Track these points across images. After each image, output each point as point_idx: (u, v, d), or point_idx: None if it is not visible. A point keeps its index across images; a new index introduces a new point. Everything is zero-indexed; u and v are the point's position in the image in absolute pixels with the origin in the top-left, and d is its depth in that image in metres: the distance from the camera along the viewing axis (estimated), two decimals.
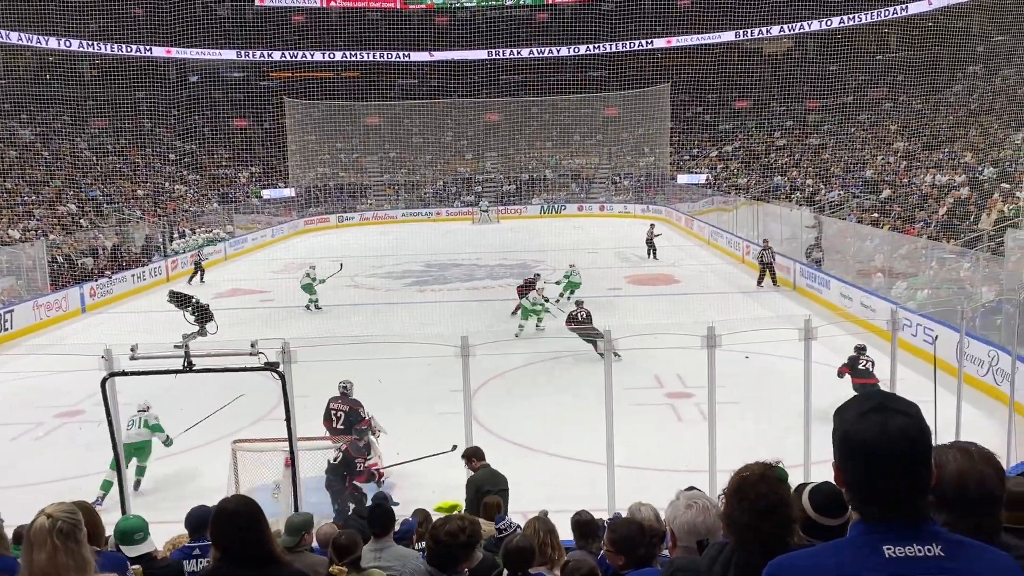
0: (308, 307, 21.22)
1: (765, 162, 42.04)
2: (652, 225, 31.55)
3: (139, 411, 10.87)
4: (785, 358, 13.65)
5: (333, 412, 10.79)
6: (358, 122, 48.64)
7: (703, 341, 8.25)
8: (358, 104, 47.64)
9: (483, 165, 50.68)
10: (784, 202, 32.35)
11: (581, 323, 15.42)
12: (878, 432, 1.77)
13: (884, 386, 9.60)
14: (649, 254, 28.76)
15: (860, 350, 12.36)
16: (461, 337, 8.15)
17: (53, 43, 37.74)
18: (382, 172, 50.52)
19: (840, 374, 12.21)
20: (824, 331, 8.77)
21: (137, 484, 10.46)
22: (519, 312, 18.38)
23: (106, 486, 9.89)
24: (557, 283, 21.83)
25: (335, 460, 9.52)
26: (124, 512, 7.27)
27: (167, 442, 10.89)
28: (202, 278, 26.67)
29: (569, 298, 20.57)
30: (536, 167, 50.80)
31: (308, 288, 21.42)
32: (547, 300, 18.80)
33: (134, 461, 10.47)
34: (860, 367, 12.11)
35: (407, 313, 19.81)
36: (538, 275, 21.26)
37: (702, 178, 43.48)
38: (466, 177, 50.19)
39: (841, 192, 31.85)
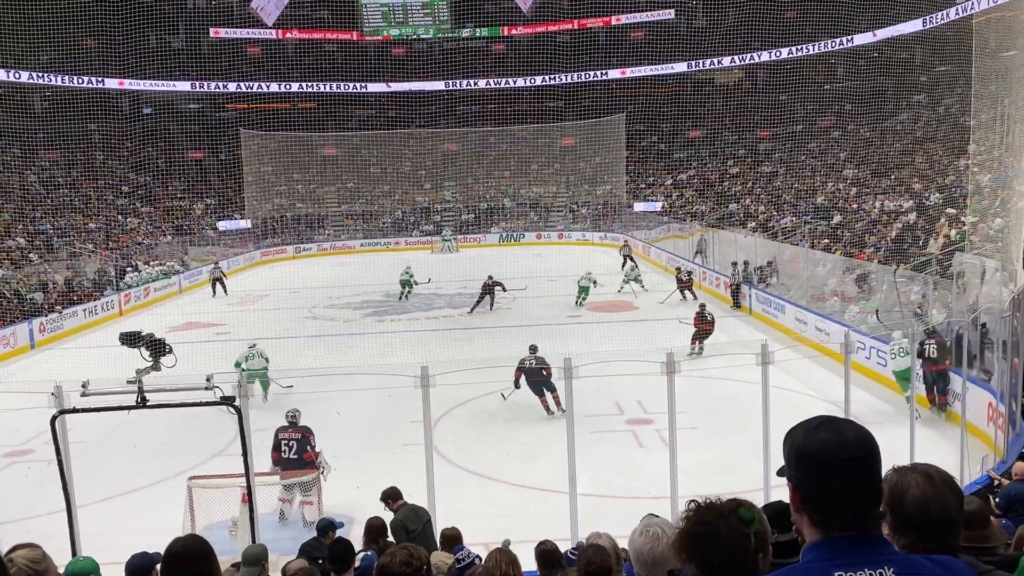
0: (401, 297, 26.76)
1: (719, 190, 42.73)
2: (625, 242, 34.88)
3: (250, 347, 15.64)
4: (743, 383, 13.81)
5: (284, 442, 10.52)
6: (315, 153, 48.50)
7: (662, 367, 8.31)
8: (315, 135, 47.56)
9: (442, 194, 50.76)
10: (739, 228, 32.88)
11: (531, 372, 14.25)
12: (836, 440, 1.80)
13: (838, 408, 9.76)
14: (623, 266, 30.19)
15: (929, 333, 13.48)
16: (421, 367, 8.11)
17: (1, 75, 37.13)
18: (340, 202, 50.30)
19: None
20: (781, 355, 8.89)
21: (264, 397, 15.04)
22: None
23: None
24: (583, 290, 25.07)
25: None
26: (75, 553, 7.08)
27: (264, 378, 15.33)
28: (224, 289, 29.86)
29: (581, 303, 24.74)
30: (495, 196, 50.99)
31: (406, 283, 27.22)
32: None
33: (257, 383, 14.85)
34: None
35: (366, 344, 19.66)
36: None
37: (658, 206, 44.01)
38: (424, 207, 50.20)
39: (793, 218, 32.47)
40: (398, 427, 12.99)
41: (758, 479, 8.48)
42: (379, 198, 50.34)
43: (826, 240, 27.56)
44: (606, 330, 19.67)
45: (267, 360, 15.64)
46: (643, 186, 47.82)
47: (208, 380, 7.10)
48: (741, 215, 37.23)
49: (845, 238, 26.84)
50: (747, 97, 49.14)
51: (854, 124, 41.01)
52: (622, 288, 27.04)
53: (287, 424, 10.68)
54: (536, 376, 14.30)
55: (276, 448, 10.51)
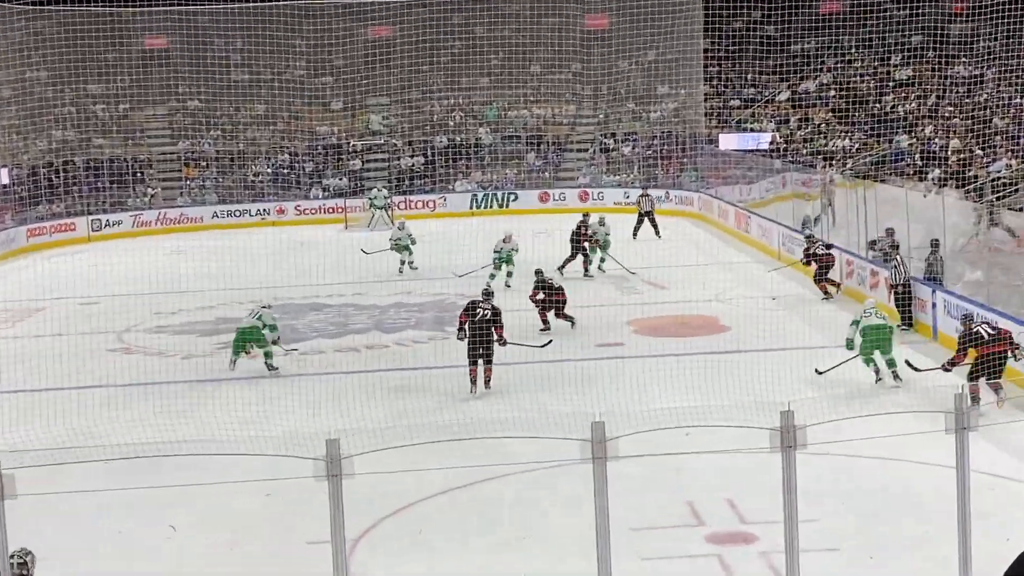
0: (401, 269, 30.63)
1: (877, 111, 42.83)
2: (646, 193, 37.77)
3: (263, 307, 22.60)
4: (920, 464, 13.98)
5: None
6: (130, 46, 48.32)
7: (772, 437, 8.38)
8: (128, 13, 47.31)
9: (365, 121, 50.75)
10: (913, 181, 32.99)
11: (480, 324, 19.40)
12: None
13: None
14: (636, 232, 33.13)
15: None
16: (327, 441, 8.17)
17: None
18: (174, 136, 50.26)
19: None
20: (993, 415, 8.99)
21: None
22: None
23: None
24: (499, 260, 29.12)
25: None
26: None
27: (275, 341, 22.33)
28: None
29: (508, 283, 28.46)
30: (462, 124, 51.04)
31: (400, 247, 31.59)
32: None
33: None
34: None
35: (224, 400, 19.64)
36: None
37: (764, 140, 44.13)
38: (334, 143, 50.20)
39: (1016, 161, 32.59)
40: (284, 552, 13.10)
41: None
42: (247, 129, 50.27)
43: None
44: (665, 368, 19.73)
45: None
46: (736, 104, 47.93)
47: None
48: (916, 156, 37.35)
49: None
50: None
51: None
52: (590, 266, 31.64)
53: None
54: (484, 332, 17.86)
55: None
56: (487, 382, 19.60)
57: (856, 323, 19.68)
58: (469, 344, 19.64)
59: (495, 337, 19.65)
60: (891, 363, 19.36)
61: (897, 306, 23.82)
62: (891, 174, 35.14)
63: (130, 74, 49.21)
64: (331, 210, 46.37)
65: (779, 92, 47.60)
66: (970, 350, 17.78)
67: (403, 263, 32.81)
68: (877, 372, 19.44)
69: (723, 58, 49.56)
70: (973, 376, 17.48)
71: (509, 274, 29.23)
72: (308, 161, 49.90)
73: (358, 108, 50.73)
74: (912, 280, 23.87)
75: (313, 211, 46.93)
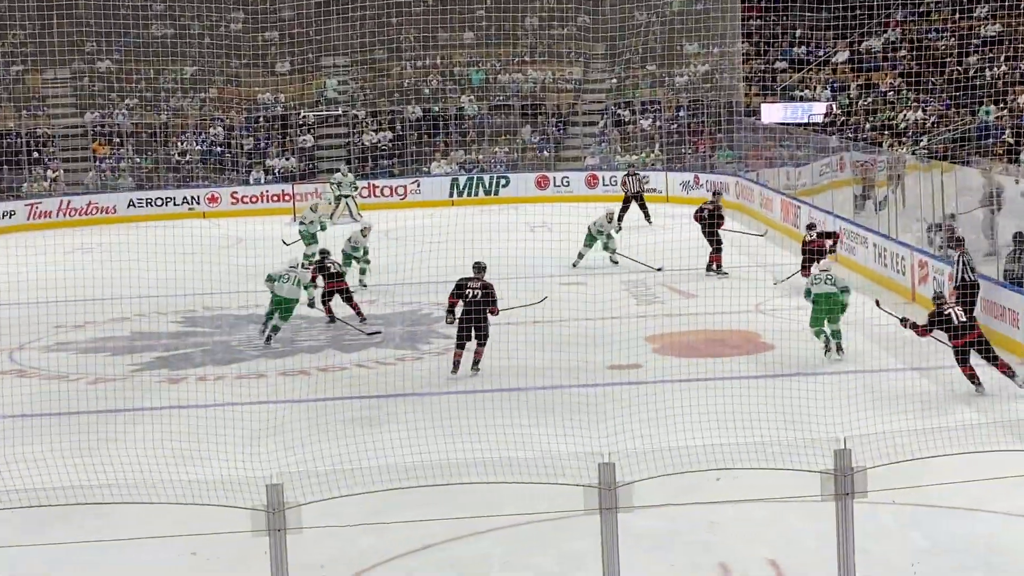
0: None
1: (957, 75, 42.90)
2: (632, 171, 40.80)
3: (291, 267, 26.43)
4: (1010, 516, 14.11)
5: None
6: None
7: (824, 483, 8.37)
8: None
9: (320, 85, 50.77)
10: (1003, 163, 33.03)
11: (474, 305, 22.70)
12: None
13: None
14: (621, 218, 34.91)
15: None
16: (267, 487, 8.13)
17: None
18: (80, 106, 50.24)
19: None
20: None
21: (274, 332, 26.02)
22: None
23: None
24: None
25: None
26: None
27: (310, 304, 27.13)
28: None
29: None
30: (440, 90, 51.11)
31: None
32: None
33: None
34: None
35: (142, 434, 19.65)
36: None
37: (817, 111, 44.21)
38: (279, 115, 50.22)
39: None
40: None
41: None
42: (171, 96, 50.26)
43: None
44: (693, 396, 19.73)
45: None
46: (782, 67, 47.98)
47: None
48: (1006, 132, 37.37)
49: None
50: None
51: None
52: (577, 262, 33.94)
53: None
54: (477, 312, 21.45)
55: None
56: (475, 363, 22.88)
57: (808, 292, 23.57)
58: (459, 325, 22.73)
59: (490, 313, 22.80)
60: (835, 334, 23.19)
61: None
62: (975, 154, 35.21)
63: (24, 28, 49.22)
64: (276, 198, 46.56)
65: (836, 52, 47.69)
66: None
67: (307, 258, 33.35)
68: (827, 344, 23.26)
69: (766, 8, 49.64)
70: (962, 359, 20.52)
71: (363, 271, 32.40)
72: (247, 137, 49.92)
73: (310, 71, 50.80)
74: (980, 280, 24.31)
75: (253, 199, 47.11)
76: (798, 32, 49.13)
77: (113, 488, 14.78)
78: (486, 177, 47.91)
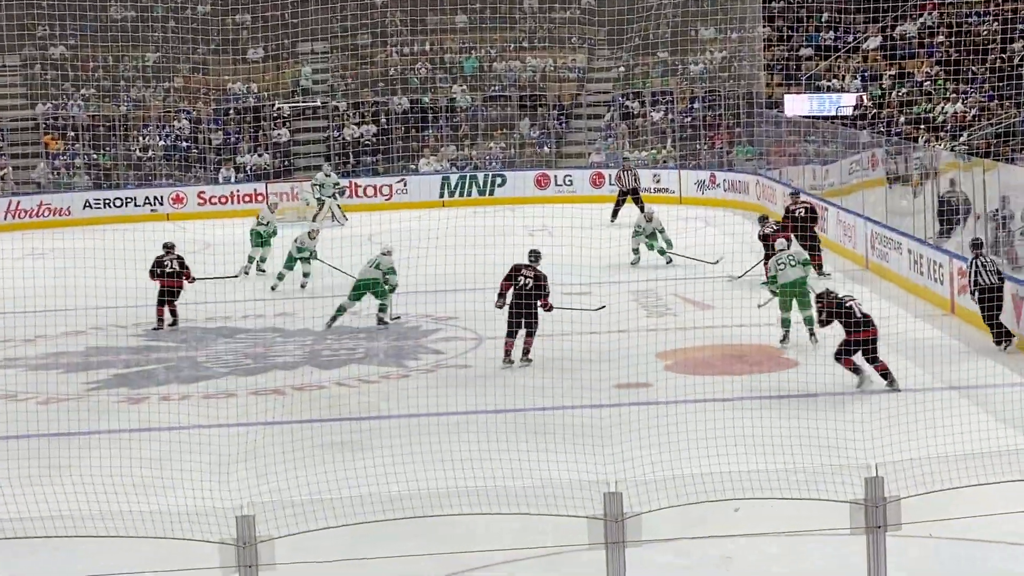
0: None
1: (1002, 64, 42.94)
2: (627, 164, 42.16)
3: (383, 253, 28.50)
4: None
5: None
6: None
7: (854, 514, 8.37)
8: None
9: (295, 76, 50.82)
10: None
11: (524, 293, 24.69)
12: None
13: None
14: (616, 215, 37.21)
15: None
16: (238, 519, 8.14)
17: None
18: (30, 96, 50.28)
19: None
20: None
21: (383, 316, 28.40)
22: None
23: None
24: None
25: None
26: None
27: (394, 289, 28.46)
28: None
29: None
30: (429, 80, 51.17)
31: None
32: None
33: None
34: None
35: (99, 459, 19.62)
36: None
37: (846, 102, 44.25)
38: (251, 105, 50.24)
39: None
40: None
41: None
42: (131, 86, 50.30)
43: None
44: (708, 418, 19.77)
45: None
46: (808, 54, 48.03)
47: None
48: None
49: None
50: None
51: None
52: (636, 258, 35.18)
53: None
54: (527, 301, 23.84)
55: None
56: (526, 352, 24.85)
57: (773, 278, 26.26)
58: (509, 313, 24.72)
59: (539, 306, 24.87)
60: (808, 320, 25.23)
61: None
62: (1021, 150, 35.26)
63: None
64: (247, 198, 46.48)
65: (867, 37, 47.77)
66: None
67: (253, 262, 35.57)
68: (786, 335, 25.83)
69: None
70: (843, 353, 22.55)
71: (305, 274, 33.76)
72: (216, 131, 49.97)
73: (285, 58, 50.87)
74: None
75: (223, 199, 47.13)
76: (825, 16, 49.11)
77: (66, 520, 14.79)
78: (480, 175, 47.96)
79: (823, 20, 49.17)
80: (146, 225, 44.13)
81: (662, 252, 34.93)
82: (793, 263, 25.77)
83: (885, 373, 22.50)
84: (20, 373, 26.27)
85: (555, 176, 47.69)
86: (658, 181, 45.88)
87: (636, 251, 34.81)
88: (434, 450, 19.48)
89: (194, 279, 29.15)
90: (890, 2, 47.06)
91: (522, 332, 24.72)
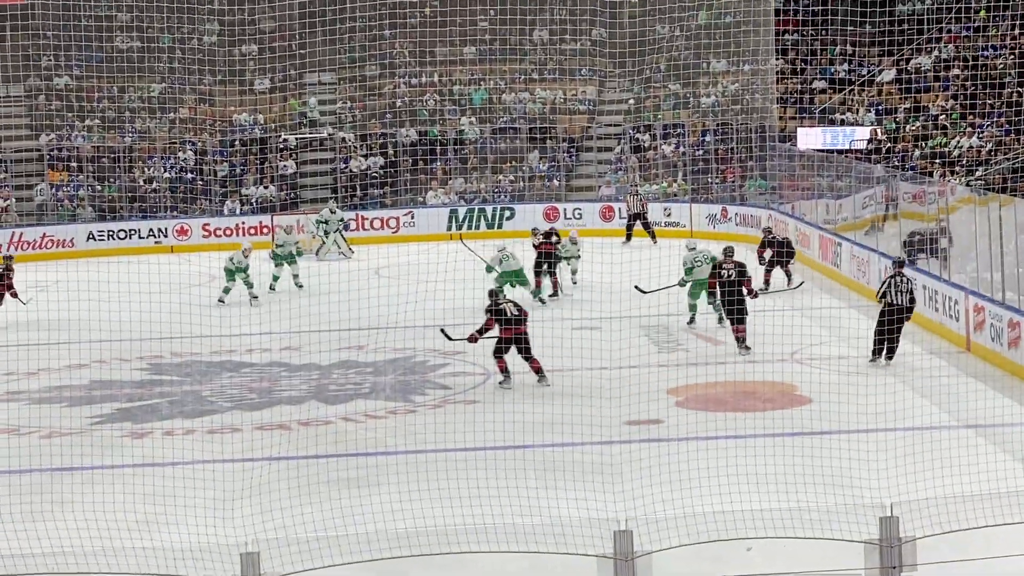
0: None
1: (1019, 97, 42.91)
2: (634, 189, 44.00)
3: (499, 250, 34.26)
4: None
5: None
6: None
7: (869, 554, 8.34)
8: None
9: (301, 107, 50.84)
10: None
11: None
12: None
13: None
14: (629, 237, 38.22)
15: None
16: (242, 556, 8.12)
17: None
18: (34, 127, 50.28)
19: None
20: None
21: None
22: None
23: None
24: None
25: None
26: None
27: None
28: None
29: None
30: (438, 111, 51.19)
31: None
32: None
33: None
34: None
35: (103, 495, 19.57)
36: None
37: (860, 136, 44.23)
38: (257, 137, 50.27)
39: None
40: None
41: None
42: (136, 117, 50.30)
43: None
44: (720, 456, 19.78)
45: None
46: (821, 87, 48.02)
47: None
48: None
49: None
50: None
51: None
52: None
53: None
54: (732, 292, 27.43)
55: None
56: (740, 341, 28.16)
57: (690, 270, 30.36)
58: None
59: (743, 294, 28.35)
60: (717, 307, 29.62)
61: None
62: None
63: None
64: (253, 230, 46.44)
65: (881, 70, 47.78)
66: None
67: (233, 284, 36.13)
68: (692, 319, 30.82)
69: (803, 22, 49.75)
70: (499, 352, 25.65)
71: (295, 275, 36.46)
72: (222, 162, 49.97)
73: (292, 88, 50.88)
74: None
75: (228, 231, 47.08)
76: (838, 48, 49.16)
77: (68, 556, 14.77)
78: (488, 208, 47.95)
79: (836, 53, 49.21)
80: (150, 257, 44.11)
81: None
82: (707, 260, 30.12)
83: (538, 369, 25.89)
84: (23, 407, 26.24)
85: (564, 209, 47.60)
86: (669, 215, 45.84)
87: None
88: (441, 487, 19.42)
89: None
90: (905, 35, 47.14)
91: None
